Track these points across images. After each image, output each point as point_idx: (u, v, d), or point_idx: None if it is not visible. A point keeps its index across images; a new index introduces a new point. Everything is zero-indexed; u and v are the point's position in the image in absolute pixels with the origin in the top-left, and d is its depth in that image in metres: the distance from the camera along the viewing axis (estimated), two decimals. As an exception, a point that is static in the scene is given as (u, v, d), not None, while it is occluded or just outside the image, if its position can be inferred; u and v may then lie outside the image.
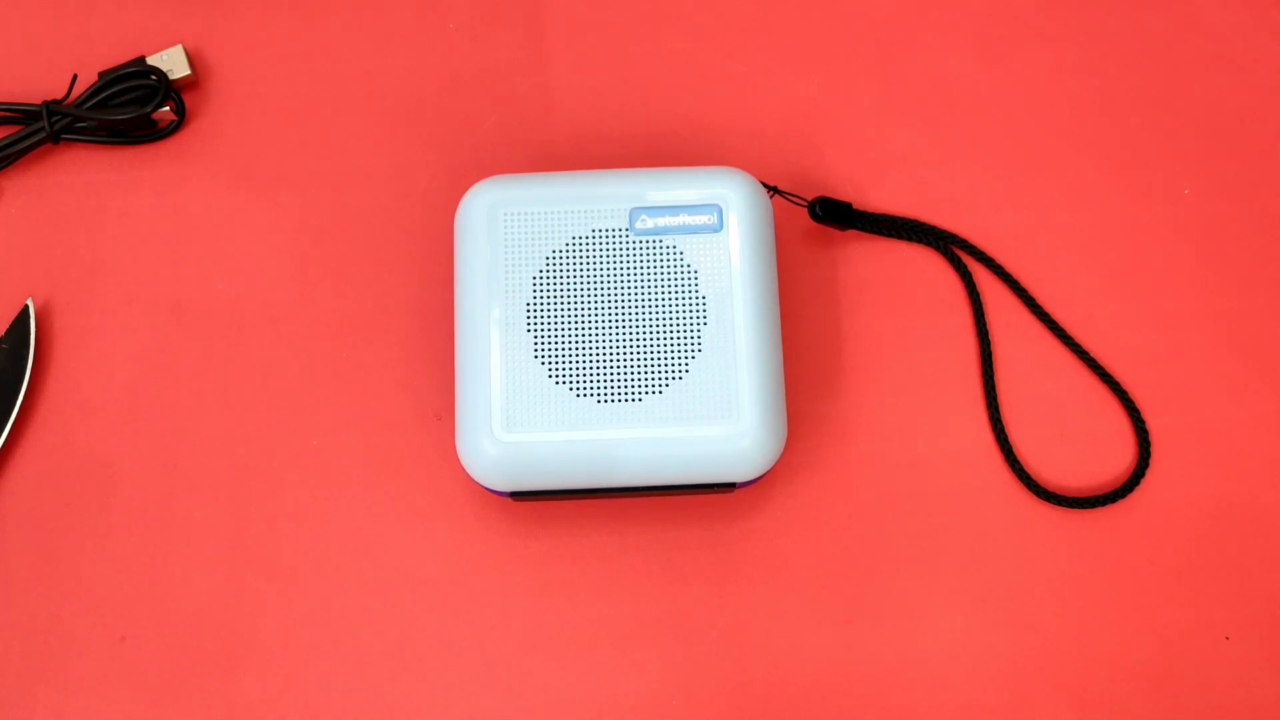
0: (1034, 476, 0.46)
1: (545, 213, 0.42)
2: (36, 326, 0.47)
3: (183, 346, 0.47)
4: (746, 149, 0.48)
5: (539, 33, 0.50)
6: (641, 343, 0.41)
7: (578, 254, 0.42)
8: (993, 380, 0.46)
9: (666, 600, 0.45)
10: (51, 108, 0.47)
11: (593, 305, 0.41)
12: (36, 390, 0.47)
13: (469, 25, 0.50)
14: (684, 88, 0.49)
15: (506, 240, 0.42)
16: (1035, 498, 0.46)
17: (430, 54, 0.50)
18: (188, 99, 0.49)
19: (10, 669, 0.44)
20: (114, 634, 0.44)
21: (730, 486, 0.43)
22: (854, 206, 0.47)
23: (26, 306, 0.47)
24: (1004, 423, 0.46)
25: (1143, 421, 0.46)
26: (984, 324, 0.47)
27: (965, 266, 0.47)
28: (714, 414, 0.40)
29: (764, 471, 0.41)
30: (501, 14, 0.50)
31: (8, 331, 0.47)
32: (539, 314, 0.41)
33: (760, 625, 0.45)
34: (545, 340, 0.41)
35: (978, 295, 0.47)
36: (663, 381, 0.41)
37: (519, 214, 0.42)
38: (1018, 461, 0.46)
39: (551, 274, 0.42)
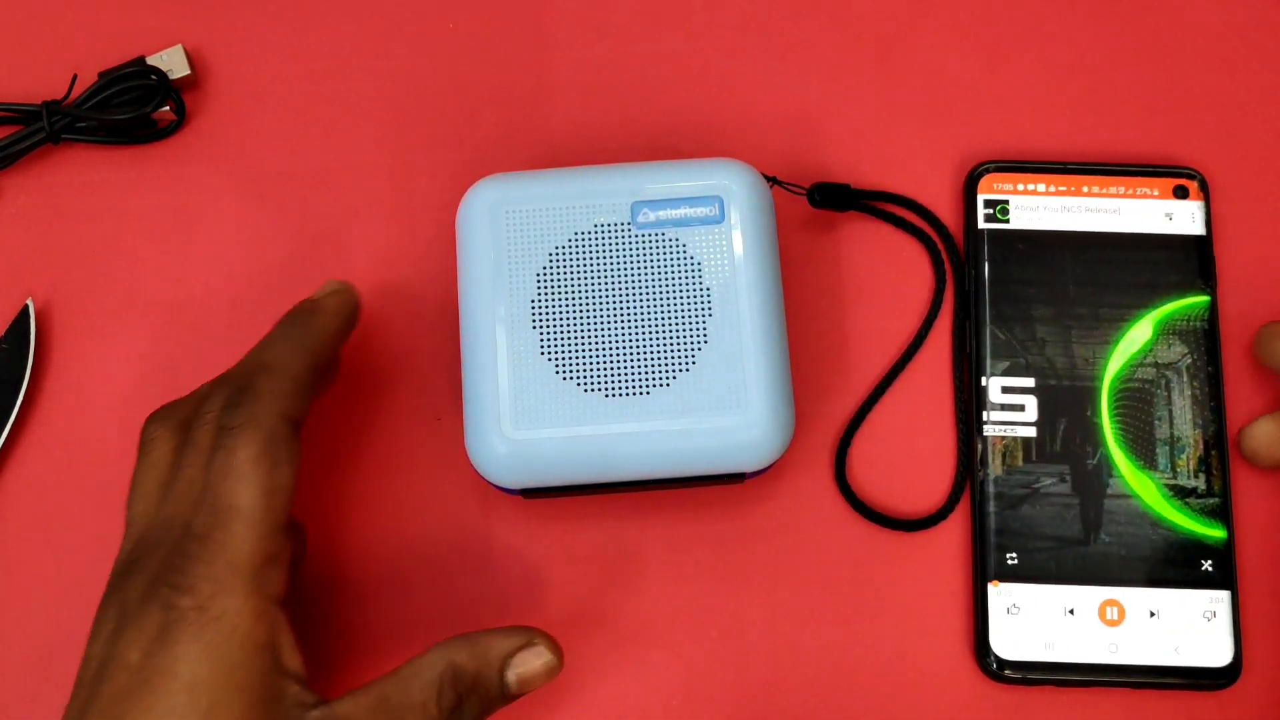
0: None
1: (547, 209, 0.42)
2: (36, 326, 0.47)
3: (183, 346, 0.47)
4: (747, 146, 0.49)
5: (539, 32, 0.50)
6: (647, 336, 0.41)
7: (581, 249, 0.42)
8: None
9: (668, 599, 0.45)
10: (51, 108, 0.47)
11: (597, 300, 0.41)
12: (36, 390, 0.47)
13: (469, 25, 0.50)
14: (684, 85, 0.50)
15: (509, 238, 0.42)
16: (1034, 493, 0.46)
17: (430, 54, 0.50)
18: (188, 99, 0.49)
19: (10, 669, 0.44)
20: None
21: (740, 477, 0.43)
22: (852, 186, 0.48)
23: (26, 306, 0.47)
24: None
25: (1140, 417, 0.47)
26: (962, 319, 0.47)
27: (944, 256, 0.48)
28: (721, 405, 0.41)
29: (773, 461, 0.42)
30: (501, 14, 0.50)
31: (8, 331, 0.47)
32: (544, 310, 0.41)
33: (760, 625, 0.45)
34: (551, 336, 0.41)
35: (963, 293, 0.48)
36: (670, 374, 0.41)
37: (520, 211, 0.42)
38: (1016, 457, 0.46)
39: (555, 270, 0.42)
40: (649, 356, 0.41)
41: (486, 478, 0.42)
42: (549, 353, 0.41)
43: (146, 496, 0.38)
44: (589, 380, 0.41)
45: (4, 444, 0.46)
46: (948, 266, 0.47)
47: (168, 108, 0.48)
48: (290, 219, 0.48)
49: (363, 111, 0.49)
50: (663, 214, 0.42)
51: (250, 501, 0.36)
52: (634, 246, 0.42)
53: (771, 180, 0.46)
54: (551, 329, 0.41)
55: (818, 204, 0.47)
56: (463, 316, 0.42)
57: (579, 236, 0.42)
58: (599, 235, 0.42)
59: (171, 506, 0.37)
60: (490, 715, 0.38)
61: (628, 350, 0.41)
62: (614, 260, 0.42)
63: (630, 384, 0.41)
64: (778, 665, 0.44)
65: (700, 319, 0.41)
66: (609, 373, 0.41)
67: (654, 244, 0.42)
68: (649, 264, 0.42)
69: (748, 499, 0.46)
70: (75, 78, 0.48)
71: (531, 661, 0.38)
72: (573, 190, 0.42)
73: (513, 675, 0.38)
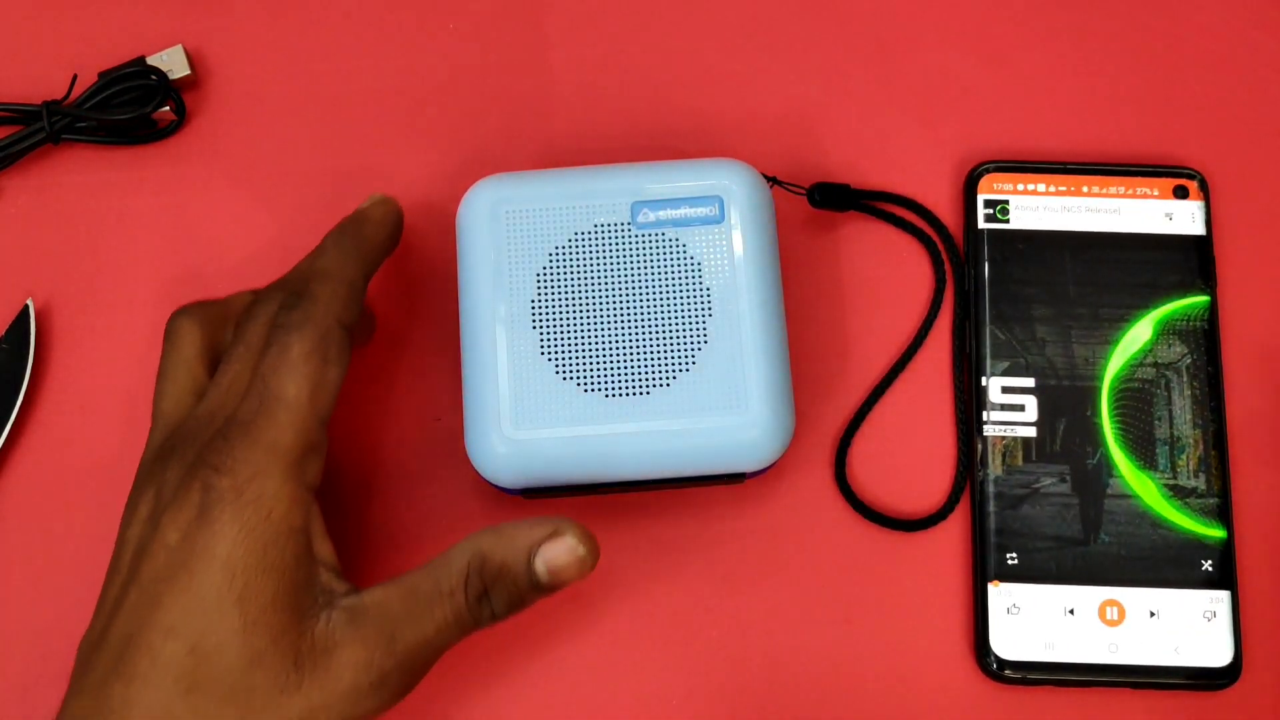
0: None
1: (547, 209, 0.42)
2: (36, 326, 0.47)
3: (183, 346, 0.47)
4: (747, 146, 0.49)
5: (539, 32, 0.50)
6: (647, 336, 0.41)
7: (581, 249, 0.42)
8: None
9: (667, 600, 0.45)
10: (51, 108, 0.47)
11: (597, 300, 0.41)
12: (36, 390, 0.47)
13: (469, 25, 0.50)
14: (684, 85, 0.50)
15: (509, 237, 0.42)
16: (1034, 493, 0.46)
17: (430, 54, 0.50)
18: (188, 99, 0.49)
19: (10, 669, 0.44)
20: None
21: (740, 477, 0.43)
22: (852, 186, 0.48)
23: (26, 306, 0.47)
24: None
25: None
26: (962, 319, 0.47)
27: (944, 256, 0.48)
28: (721, 405, 0.41)
29: (773, 461, 0.42)
30: (501, 14, 0.50)
31: (8, 331, 0.47)
32: (544, 310, 0.41)
33: (760, 625, 0.45)
34: (551, 336, 0.41)
35: (964, 292, 0.47)
36: (669, 374, 0.41)
37: (520, 211, 0.42)
38: (1017, 457, 0.46)
39: (555, 270, 0.42)
40: (649, 356, 0.41)
41: (487, 478, 0.42)
42: (549, 353, 0.41)
43: (178, 391, 0.40)
44: (589, 380, 0.41)
45: (4, 444, 0.46)
46: (948, 266, 0.47)
47: (168, 108, 0.48)
48: (290, 219, 0.48)
49: (362, 111, 0.49)
50: (663, 214, 0.42)
51: (297, 393, 0.37)
52: (634, 246, 0.42)
53: (771, 180, 0.46)
54: (551, 329, 0.41)
55: (818, 204, 0.47)
56: (463, 316, 0.42)
57: (579, 236, 0.42)
58: (599, 235, 0.42)
59: (214, 400, 0.38)
60: (525, 607, 0.38)
61: (628, 350, 0.41)
62: (614, 260, 0.42)
63: (630, 384, 0.41)
64: (777, 665, 0.44)
65: (700, 319, 0.41)
66: (609, 373, 0.41)
67: (654, 244, 0.42)
68: (649, 264, 0.42)
69: (748, 499, 0.46)
70: (75, 78, 0.48)
71: (560, 553, 0.38)
72: (573, 190, 0.42)
73: (541, 566, 0.38)
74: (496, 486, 0.42)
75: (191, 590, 0.35)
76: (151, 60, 0.48)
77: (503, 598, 0.38)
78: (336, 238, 0.42)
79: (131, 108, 0.48)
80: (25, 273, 0.48)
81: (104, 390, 0.47)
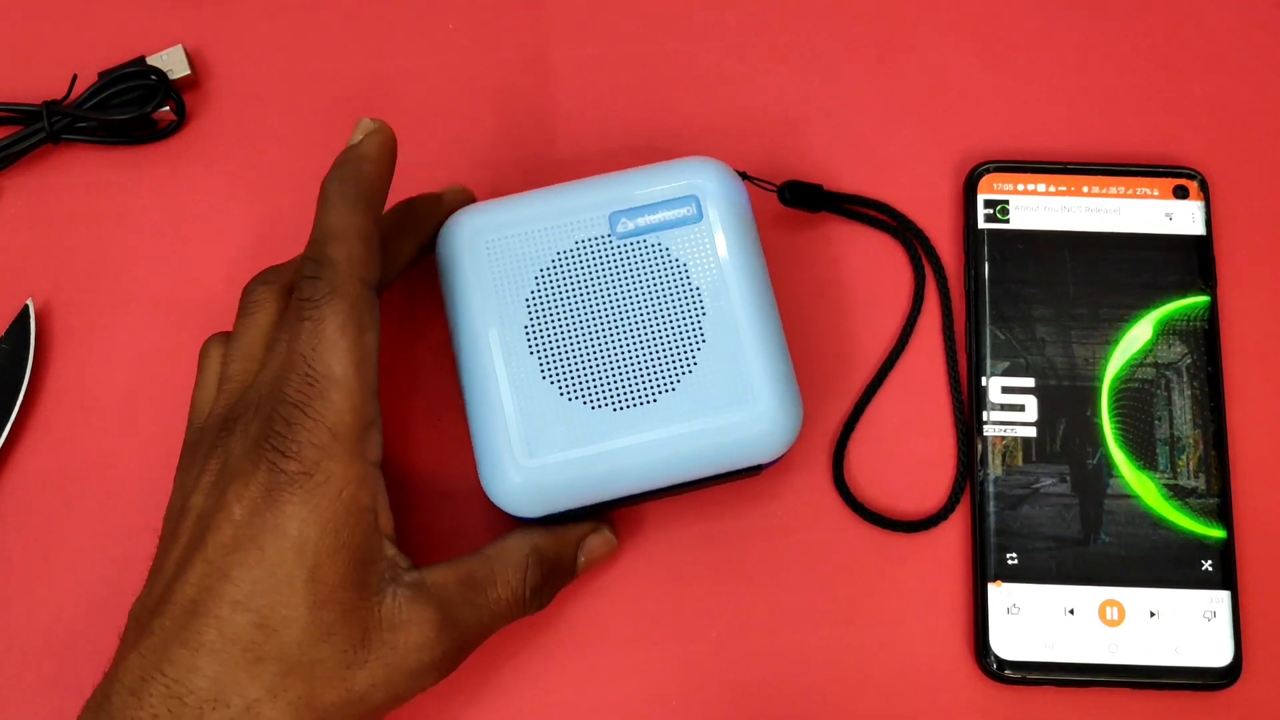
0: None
1: (525, 233, 0.42)
2: (36, 326, 0.47)
3: (183, 346, 0.47)
4: (748, 147, 0.49)
5: (539, 33, 0.50)
6: (645, 344, 0.41)
7: (566, 268, 0.41)
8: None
9: (667, 600, 0.45)
10: (51, 108, 0.47)
11: (590, 316, 0.41)
12: (36, 390, 0.47)
13: (469, 25, 0.50)
14: (684, 86, 0.50)
15: (492, 267, 0.41)
16: (1034, 493, 0.46)
17: (430, 54, 0.50)
18: (188, 99, 0.49)
19: (10, 669, 0.44)
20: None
21: (756, 469, 0.42)
22: (825, 188, 0.48)
23: (26, 306, 0.47)
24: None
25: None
26: (950, 319, 0.47)
27: (922, 257, 0.48)
28: (728, 400, 0.40)
29: (786, 449, 0.41)
30: (501, 14, 0.50)
31: (8, 331, 0.47)
32: (538, 334, 0.41)
33: (760, 625, 0.45)
34: (550, 359, 0.41)
35: (947, 292, 0.48)
36: (674, 378, 0.40)
37: (500, 239, 0.42)
38: (1016, 457, 0.46)
39: (544, 292, 0.41)
40: (651, 364, 0.40)
41: (506, 510, 0.41)
42: (550, 376, 0.40)
43: (246, 358, 0.40)
44: (595, 397, 0.40)
45: (4, 444, 0.46)
46: (926, 267, 0.47)
47: (168, 108, 0.48)
48: (290, 219, 0.48)
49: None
50: (641, 220, 0.42)
51: (344, 371, 0.37)
52: (618, 257, 0.41)
53: (742, 176, 0.45)
54: (549, 351, 0.41)
55: (789, 202, 0.47)
56: (458, 351, 0.42)
57: (562, 255, 0.41)
58: (581, 251, 0.41)
59: (269, 372, 0.38)
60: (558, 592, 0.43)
61: (628, 361, 0.40)
62: (600, 274, 0.41)
63: (636, 394, 0.40)
64: (778, 665, 0.45)
65: (694, 319, 0.41)
66: (613, 386, 0.40)
67: (637, 251, 0.41)
68: (636, 272, 0.41)
69: (747, 500, 0.46)
70: (75, 78, 0.48)
71: (598, 544, 0.43)
72: (548, 210, 0.42)
73: (582, 556, 0.43)
74: (517, 518, 0.41)
75: (262, 565, 0.36)
76: (151, 60, 0.48)
77: (552, 588, 0.41)
78: (338, 187, 0.39)
79: (131, 108, 0.48)
80: (25, 273, 0.48)
81: (104, 390, 0.47)
